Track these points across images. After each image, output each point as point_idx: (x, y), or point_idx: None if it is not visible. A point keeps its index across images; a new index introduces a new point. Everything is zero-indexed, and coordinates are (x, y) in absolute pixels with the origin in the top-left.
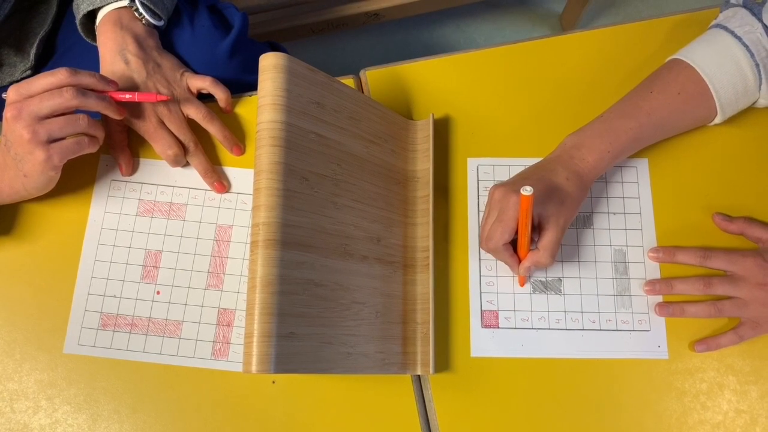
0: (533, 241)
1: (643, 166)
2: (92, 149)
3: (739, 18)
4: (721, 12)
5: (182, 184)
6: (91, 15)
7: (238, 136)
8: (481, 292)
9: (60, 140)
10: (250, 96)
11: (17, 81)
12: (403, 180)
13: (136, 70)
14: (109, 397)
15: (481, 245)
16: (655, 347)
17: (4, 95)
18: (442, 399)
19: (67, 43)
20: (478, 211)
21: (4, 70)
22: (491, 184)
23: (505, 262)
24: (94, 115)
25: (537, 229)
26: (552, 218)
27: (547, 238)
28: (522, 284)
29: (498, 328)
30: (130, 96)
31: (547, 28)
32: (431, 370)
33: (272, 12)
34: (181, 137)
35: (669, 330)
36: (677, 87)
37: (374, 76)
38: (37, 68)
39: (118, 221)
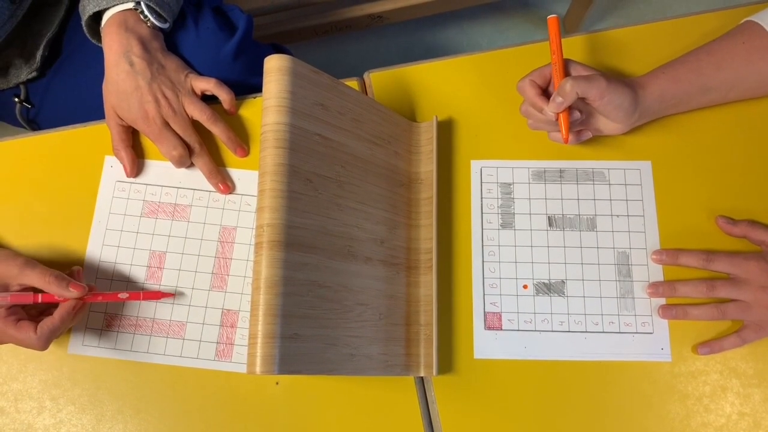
0: (576, 125)
1: (646, 168)
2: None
3: None
4: None
5: (187, 186)
6: (97, 17)
7: (242, 138)
8: (484, 294)
9: None
10: (255, 98)
11: (23, 83)
12: (406, 182)
13: (141, 72)
14: (113, 397)
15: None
16: (658, 350)
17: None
18: (445, 401)
19: (72, 45)
20: (482, 212)
21: (10, 72)
22: (495, 186)
23: (531, 100)
24: None
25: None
26: (590, 72)
27: (578, 72)
28: (565, 137)
29: (501, 330)
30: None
31: None
32: (434, 371)
33: (276, 14)
34: (186, 138)
35: (672, 333)
36: (742, 38)
37: (378, 79)
38: (43, 69)
39: (122, 222)
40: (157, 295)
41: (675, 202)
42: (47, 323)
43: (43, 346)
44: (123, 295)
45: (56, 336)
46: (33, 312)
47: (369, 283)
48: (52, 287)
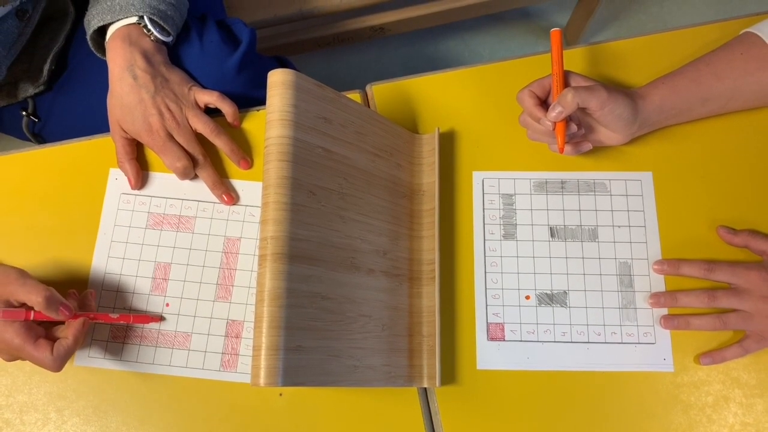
0: (575, 138)
1: (647, 179)
2: None
3: None
4: None
5: (191, 197)
6: (102, 31)
7: (245, 150)
8: (486, 305)
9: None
10: (258, 111)
11: (31, 97)
12: (409, 193)
13: (144, 85)
14: (118, 409)
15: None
16: (661, 360)
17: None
18: (448, 411)
19: (78, 59)
20: (484, 223)
21: (19, 86)
22: (497, 198)
23: (529, 110)
24: None
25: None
26: (590, 83)
27: (578, 83)
28: (561, 146)
29: (504, 340)
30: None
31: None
32: (437, 382)
33: (279, 26)
34: (190, 150)
35: (674, 343)
36: (740, 48)
37: (380, 91)
38: (50, 83)
39: (127, 234)
40: (146, 320)
41: (676, 213)
42: (63, 344)
43: (59, 367)
44: (113, 315)
45: (70, 356)
46: (46, 324)
47: (372, 295)
48: (42, 308)
